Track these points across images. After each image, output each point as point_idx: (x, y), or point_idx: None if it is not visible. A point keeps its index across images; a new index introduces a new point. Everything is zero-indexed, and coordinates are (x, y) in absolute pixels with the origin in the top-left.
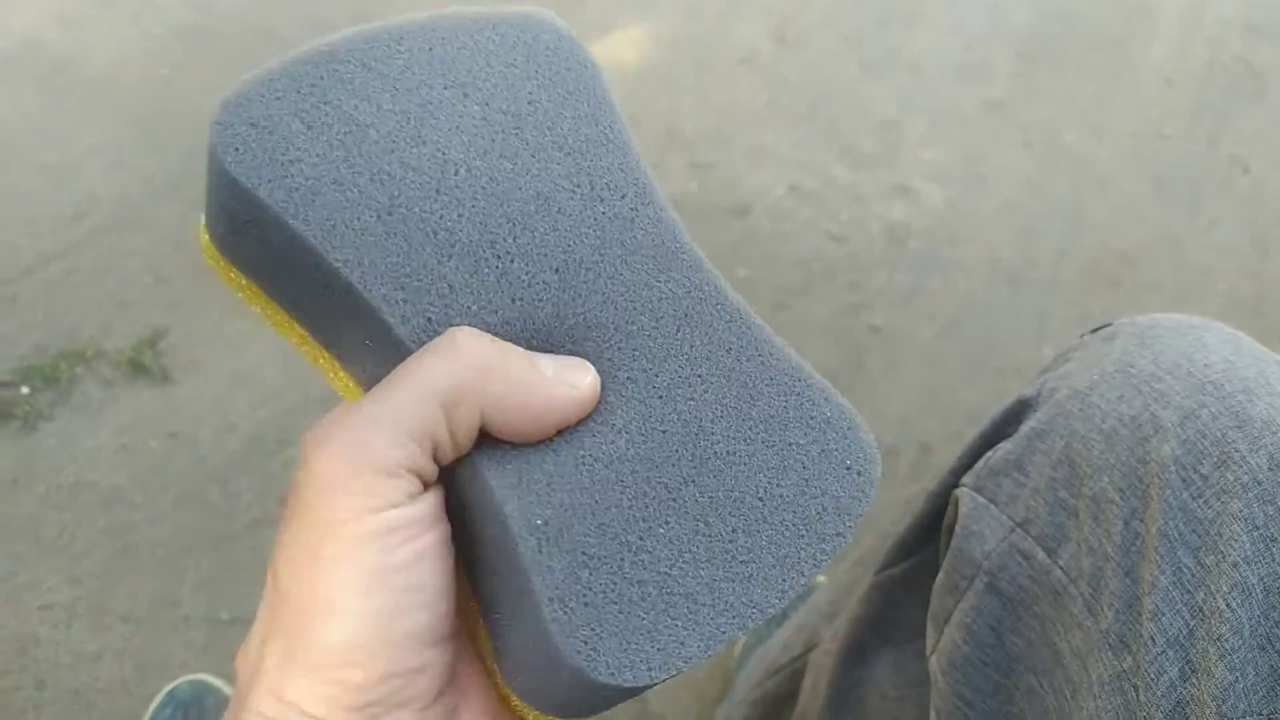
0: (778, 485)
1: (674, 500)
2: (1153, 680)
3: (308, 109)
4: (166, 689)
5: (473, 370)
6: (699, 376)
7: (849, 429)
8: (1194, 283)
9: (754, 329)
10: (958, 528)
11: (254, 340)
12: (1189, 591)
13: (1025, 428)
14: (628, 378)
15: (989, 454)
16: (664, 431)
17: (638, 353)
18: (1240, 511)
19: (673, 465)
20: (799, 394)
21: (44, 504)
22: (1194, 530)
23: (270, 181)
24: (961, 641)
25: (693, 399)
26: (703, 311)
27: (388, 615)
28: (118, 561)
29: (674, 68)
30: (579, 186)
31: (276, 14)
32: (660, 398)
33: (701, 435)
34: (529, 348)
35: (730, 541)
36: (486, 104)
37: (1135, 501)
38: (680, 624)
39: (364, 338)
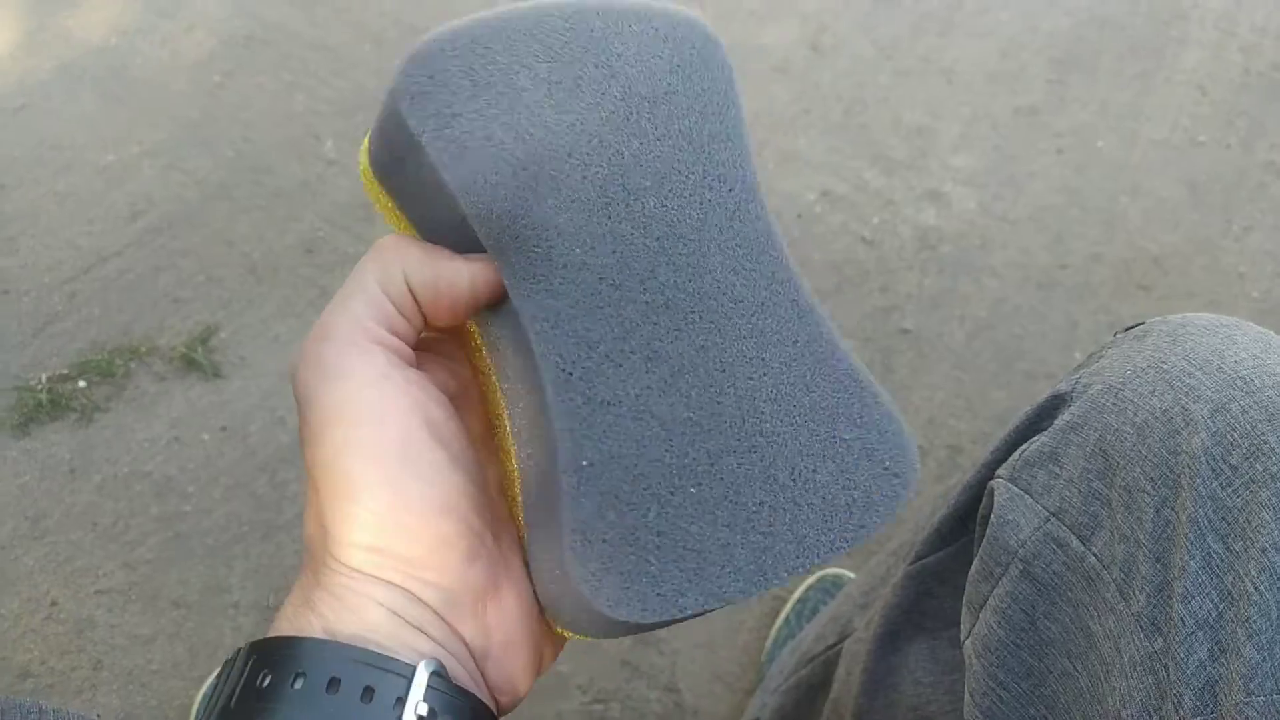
0: (814, 471)
1: (712, 466)
2: (1183, 660)
3: (477, 69)
4: (217, 671)
5: (389, 249)
6: (763, 360)
7: (895, 435)
8: (1226, 288)
9: (822, 330)
10: (993, 517)
11: (300, 337)
12: (1218, 576)
13: (1060, 421)
14: (701, 345)
15: (1024, 446)
16: (719, 402)
17: (713, 327)
18: (1269, 500)
19: (719, 434)
20: (853, 394)
21: (100, 493)
22: (1223, 518)
23: (433, 130)
24: (996, 625)
25: (752, 379)
26: (778, 305)
27: (405, 475)
28: (170, 549)
29: None
30: (693, 173)
31: (325, 24)
32: (723, 371)
33: (753, 412)
34: (629, 295)
35: (754, 512)
36: (629, 87)
37: (1166, 491)
38: (685, 576)
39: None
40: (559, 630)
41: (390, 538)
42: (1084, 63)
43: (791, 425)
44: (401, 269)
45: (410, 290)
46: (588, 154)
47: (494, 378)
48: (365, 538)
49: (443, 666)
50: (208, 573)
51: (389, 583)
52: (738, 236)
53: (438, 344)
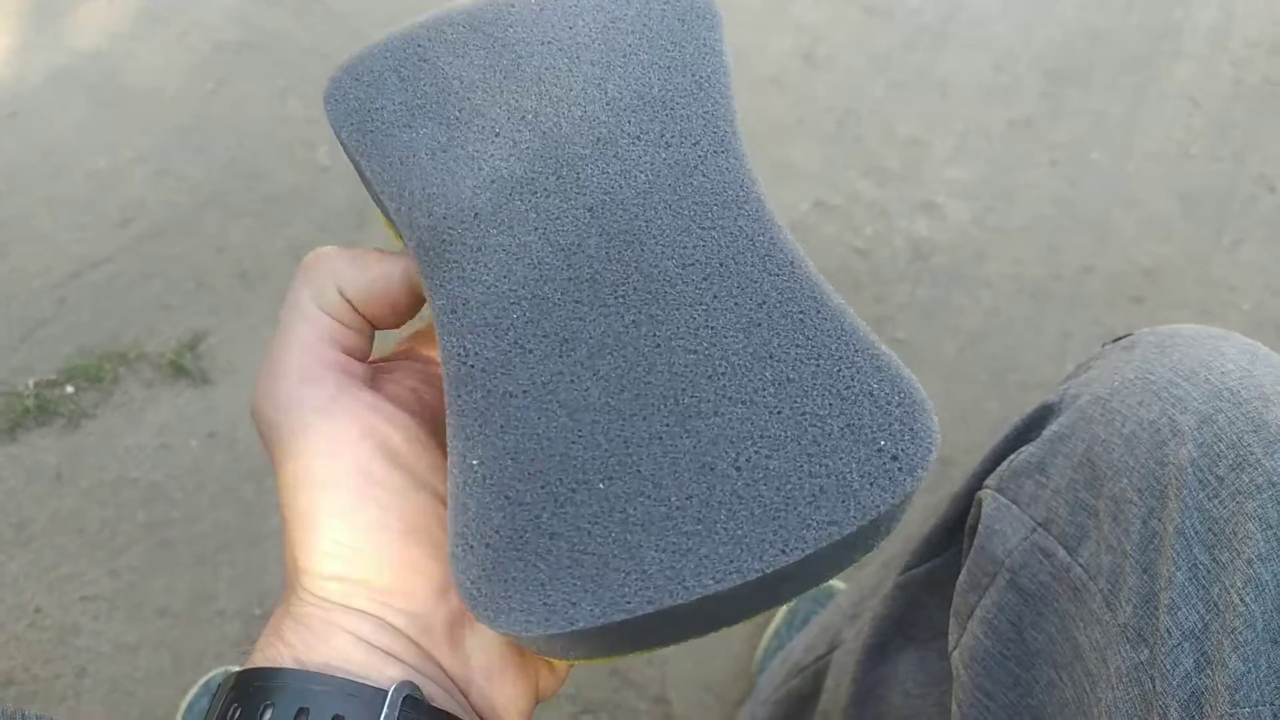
0: (767, 457)
1: (628, 456)
2: (1169, 671)
3: (406, 64)
4: (202, 680)
5: (316, 264)
6: (710, 329)
7: (899, 407)
8: (1218, 301)
9: (802, 285)
10: (980, 527)
11: None
12: (1204, 587)
13: (1047, 432)
14: (631, 321)
15: (1012, 457)
16: (647, 383)
17: (650, 298)
18: (1255, 511)
19: (643, 419)
20: (838, 359)
21: (87, 499)
22: (1210, 528)
23: (350, 125)
24: (983, 636)
25: (694, 352)
26: (744, 262)
27: (368, 507)
28: (156, 556)
29: None
30: (646, 134)
31: (320, 31)
32: (656, 347)
33: (690, 391)
34: (548, 274)
35: (678, 508)
36: (576, 56)
37: (1153, 501)
38: (579, 583)
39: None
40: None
41: (354, 567)
42: (1077, 75)
43: (742, 404)
44: (333, 281)
45: (347, 299)
46: (517, 131)
47: None
48: (330, 567)
49: (417, 689)
50: (194, 580)
51: (359, 611)
52: (697, 193)
53: (422, 346)
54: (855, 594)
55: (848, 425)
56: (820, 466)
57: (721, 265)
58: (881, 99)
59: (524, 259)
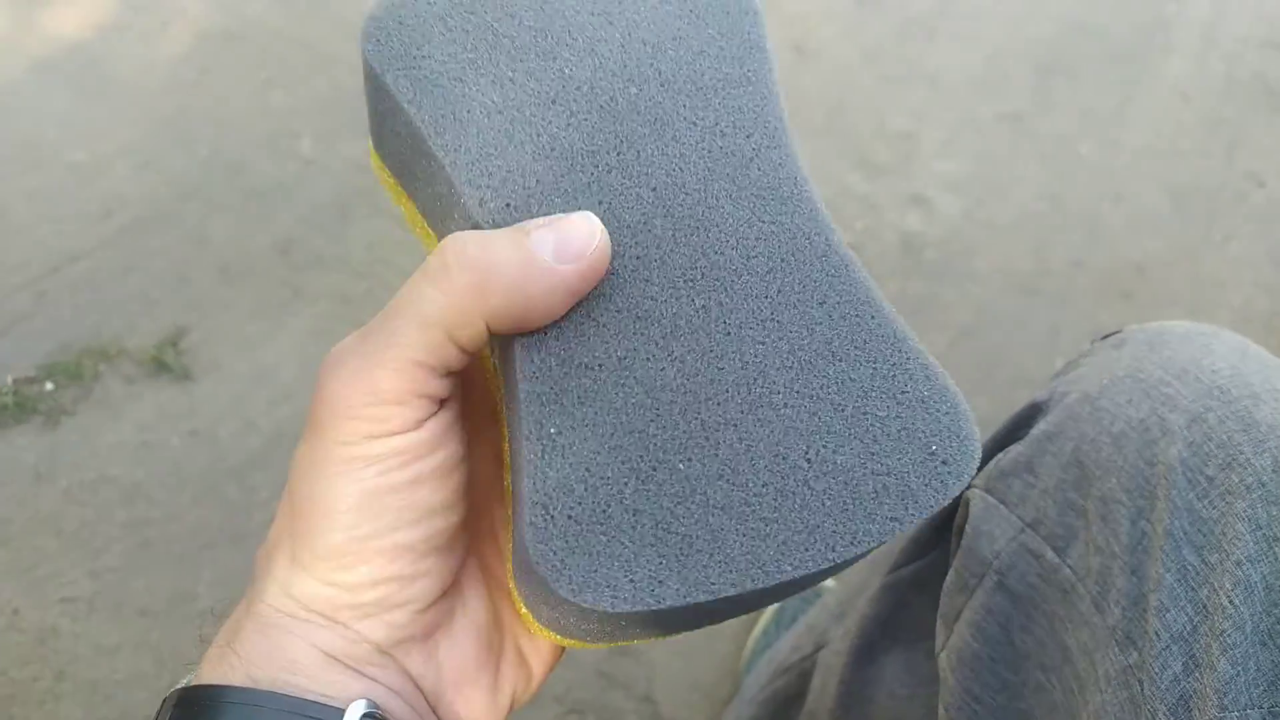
0: (835, 452)
1: (706, 439)
2: (1157, 674)
3: (454, 15)
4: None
5: (467, 291)
6: (777, 322)
7: (946, 415)
8: (1208, 297)
9: (857, 289)
10: (968, 528)
11: (273, 339)
12: (1193, 589)
13: (1036, 430)
14: (702, 306)
15: (1000, 456)
16: (720, 368)
17: (718, 285)
18: (1244, 512)
19: (717, 405)
20: (893, 364)
21: (66, 498)
22: (1199, 529)
23: (397, 69)
24: (971, 639)
25: (763, 343)
26: (803, 260)
27: (380, 529)
28: (137, 556)
29: None
30: (701, 120)
31: (305, 21)
32: (728, 334)
33: (761, 382)
34: (617, 250)
35: (754, 495)
36: (629, 32)
37: (1142, 502)
38: (664, 562)
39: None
40: (543, 634)
41: (351, 569)
42: (1068, 69)
43: (809, 398)
44: (483, 316)
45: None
46: (574, 100)
47: (498, 376)
48: (324, 567)
49: (376, 707)
50: (175, 580)
51: (330, 621)
52: (754, 185)
53: None
54: (842, 593)
55: (904, 428)
56: (882, 465)
57: (783, 261)
58: (872, 91)
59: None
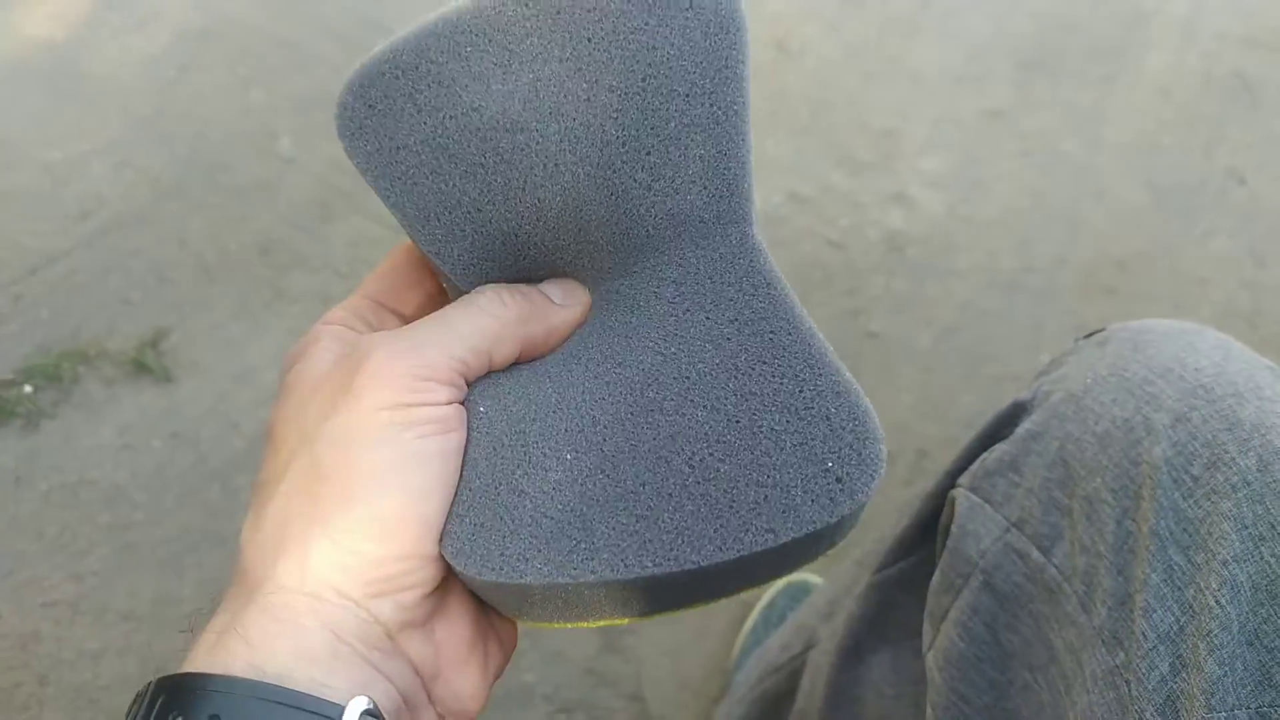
0: (719, 460)
1: (595, 436)
2: (1144, 675)
3: (422, 90)
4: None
5: (515, 320)
6: (682, 336)
7: (851, 433)
8: (1189, 292)
9: (778, 307)
10: (954, 528)
11: (254, 340)
12: (1179, 588)
13: (1020, 430)
14: (623, 319)
15: (984, 455)
16: (618, 374)
17: (634, 297)
18: (1230, 511)
19: (612, 404)
20: (801, 380)
21: (46, 502)
22: (1184, 529)
23: (377, 169)
24: (958, 638)
25: (663, 355)
26: (723, 281)
27: (416, 496)
28: (119, 559)
29: None
30: (661, 173)
31: (284, 18)
32: (631, 346)
33: (655, 388)
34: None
35: (630, 492)
36: (596, 81)
37: (1127, 501)
38: (534, 543)
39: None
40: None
41: (375, 546)
42: (1049, 66)
43: (705, 408)
44: (521, 341)
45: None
46: (541, 183)
47: None
48: (349, 542)
49: (375, 705)
50: (158, 584)
51: (345, 597)
52: (694, 219)
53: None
54: (830, 592)
55: (800, 443)
56: (767, 477)
57: (709, 279)
58: (855, 89)
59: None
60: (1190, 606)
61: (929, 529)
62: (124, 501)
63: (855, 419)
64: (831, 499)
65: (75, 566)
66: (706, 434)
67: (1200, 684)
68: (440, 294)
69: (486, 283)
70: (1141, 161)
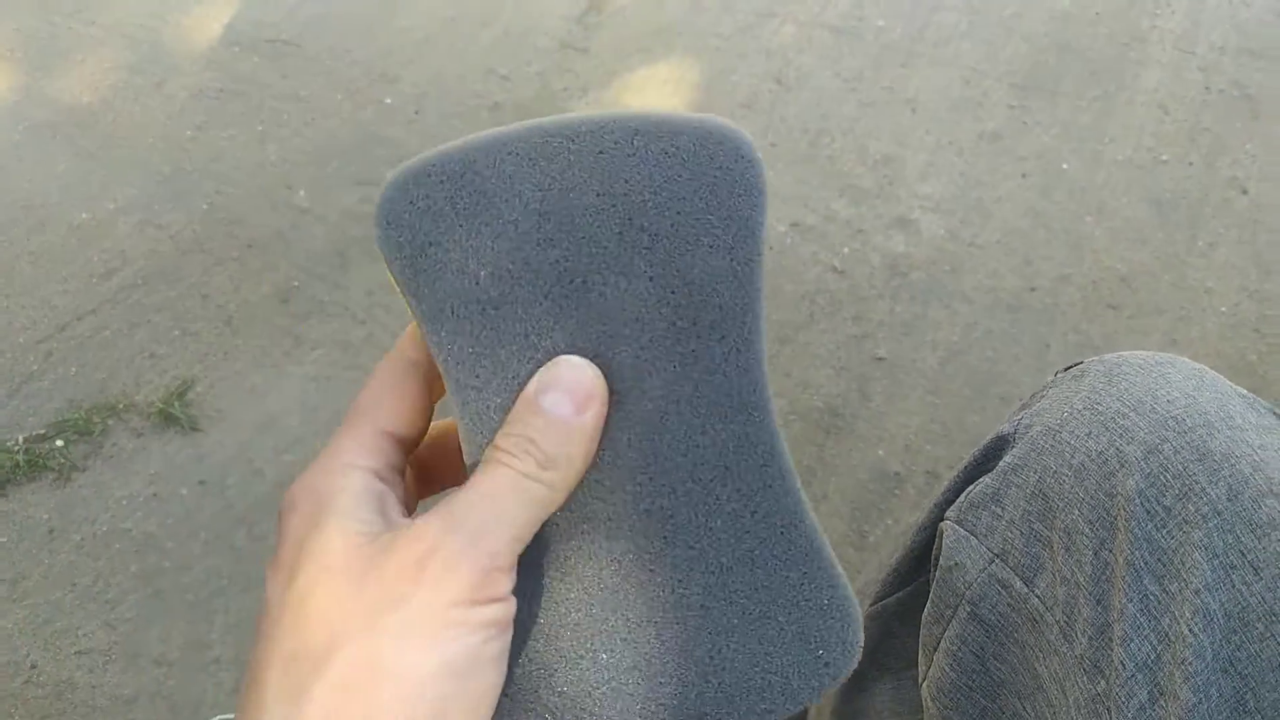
0: (735, 651)
1: (629, 636)
2: (1124, 703)
3: (461, 195)
4: None
5: (561, 494)
6: (710, 529)
7: (839, 622)
8: (1195, 304)
9: (788, 500)
10: (942, 559)
11: (276, 388)
12: (1155, 618)
13: (1002, 463)
14: (646, 510)
15: (970, 488)
16: (652, 570)
17: (664, 490)
18: (1201, 540)
19: (644, 605)
20: (804, 574)
21: (79, 552)
22: (1158, 559)
23: (402, 260)
24: (949, 668)
25: (694, 549)
26: (744, 469)
27: (473, 701)
28: (150, 606)
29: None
30: (682, 319)
31: (296, 75)
32: (664, 539)
33: (684, 584)
34: None
35: (659, 685)
36: (629, 219)
37: (1104, 533)
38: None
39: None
40: None
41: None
42: (1045, 87)
43: (724, 601)
44: (566, 489)
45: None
46: (565, 298)
47: None
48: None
49: None
50: (188, 629)
51: None
52: (716, 392)
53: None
54: None
55: (799, 633)
56: (773, 665)
57: (726, 471)
58: (853, 118)
59: None
60: (1166, 635)
61: (923, 559)
62: (154, 550)
63: (842, 608)
64: (819, 680)
65: (108, 615)
66: (725, 627)
67: (1177, 711)
68: (424, 400)
69: (490, 380)
70: (1142, 177)
